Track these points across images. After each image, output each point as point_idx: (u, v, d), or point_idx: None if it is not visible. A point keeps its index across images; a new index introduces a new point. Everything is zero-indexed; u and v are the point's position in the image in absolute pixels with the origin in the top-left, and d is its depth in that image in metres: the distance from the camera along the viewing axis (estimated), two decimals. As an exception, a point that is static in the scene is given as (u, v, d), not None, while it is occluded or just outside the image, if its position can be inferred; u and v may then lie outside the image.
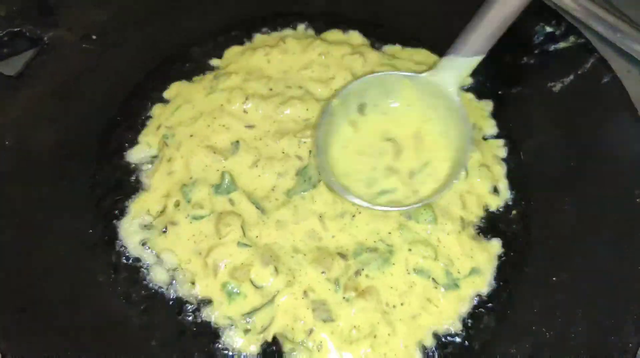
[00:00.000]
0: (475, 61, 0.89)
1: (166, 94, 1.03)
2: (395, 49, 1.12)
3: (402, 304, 0.84)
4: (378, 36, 1.13)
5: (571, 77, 1.02)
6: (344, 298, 0.83)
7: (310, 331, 0.81)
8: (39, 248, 0.86)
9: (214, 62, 1.08)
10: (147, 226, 0.90)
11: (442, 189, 0.88)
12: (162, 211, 0.90)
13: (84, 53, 1.03)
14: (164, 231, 0.88)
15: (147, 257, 0.88)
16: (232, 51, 1.09)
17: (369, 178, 0.90)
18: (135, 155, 0.97)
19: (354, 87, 0.92)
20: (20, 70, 1.00)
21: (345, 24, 1.13)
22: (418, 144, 0.92)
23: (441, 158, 0.91)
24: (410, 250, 0.87)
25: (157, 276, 0.87)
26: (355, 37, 1.12)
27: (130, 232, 0.90)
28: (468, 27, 0.88)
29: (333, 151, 0.91)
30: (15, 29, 1.01)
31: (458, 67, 0.90)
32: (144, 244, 0.89)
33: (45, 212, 0.89)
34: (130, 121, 1.00)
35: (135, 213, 0.91)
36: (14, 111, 0.96)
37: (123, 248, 0.89)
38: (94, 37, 1.05)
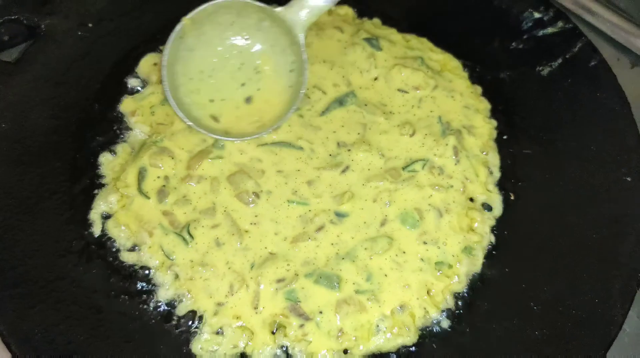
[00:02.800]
0: (326, 7, 0.92)
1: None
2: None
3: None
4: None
5: (559, 60, 1.04)
6: None
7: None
8: (27, 228, 0.86)
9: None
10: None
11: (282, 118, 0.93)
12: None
13: (80, 40, 1.05)
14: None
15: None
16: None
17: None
18: (131, 139, 0.98)
19: (208, 9, 0.92)
20: (18, 56, 1.02)
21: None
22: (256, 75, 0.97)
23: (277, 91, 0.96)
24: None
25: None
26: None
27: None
28: None
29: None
30: (13, 17, 1.03)
31: (310, 10, 0.92)
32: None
33: (36, 193, 0.89)
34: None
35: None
36: (11, 96, 0.97)
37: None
38: (90, 24, 1.07)
